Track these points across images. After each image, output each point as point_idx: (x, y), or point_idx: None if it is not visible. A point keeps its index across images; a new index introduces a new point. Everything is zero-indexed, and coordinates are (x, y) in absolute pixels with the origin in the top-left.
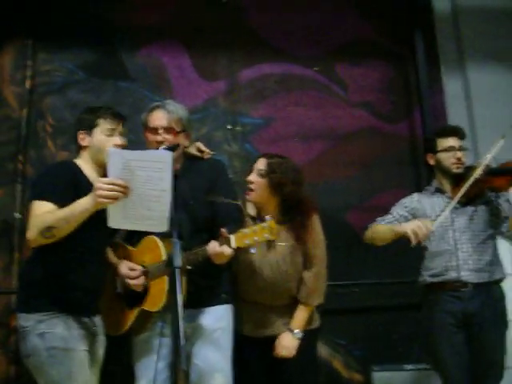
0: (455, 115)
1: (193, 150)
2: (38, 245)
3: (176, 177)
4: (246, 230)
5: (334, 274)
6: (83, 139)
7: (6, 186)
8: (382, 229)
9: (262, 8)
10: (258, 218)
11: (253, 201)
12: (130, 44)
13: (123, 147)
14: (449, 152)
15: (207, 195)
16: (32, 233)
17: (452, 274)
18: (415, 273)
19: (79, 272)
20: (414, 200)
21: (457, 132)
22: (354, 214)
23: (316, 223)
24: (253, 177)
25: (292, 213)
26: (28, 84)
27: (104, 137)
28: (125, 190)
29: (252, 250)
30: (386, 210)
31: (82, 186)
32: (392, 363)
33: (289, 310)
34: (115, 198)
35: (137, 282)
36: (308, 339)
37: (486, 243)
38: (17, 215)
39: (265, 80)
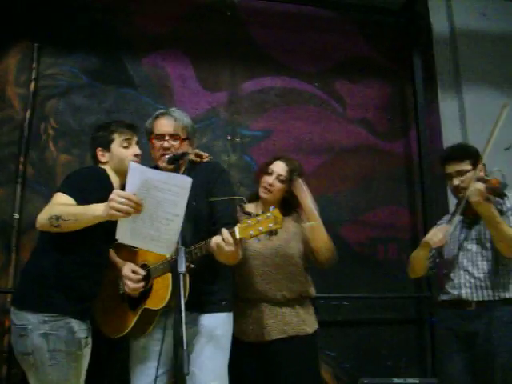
0: (450, 136)
1: (192, 157)
2: (45, 229)
3: None
4: (249, 221)
5: (325, 287)
6: (102, 156)
7: (6, 186)
8: (413, 254)
9: (265, 23)
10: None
11: (266, 200)
12: (135, 51)
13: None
14: (448, 179)
15: (208, 195)
16: (42, 216)
17: (454, 292)
18: (405, 288)
19: (89, 279)
20: (440, 222)
21: (450, 157)
22: (348, 228)
23: None
24: (273, 181)
25: (290, 207)
26: (32, 86)
27: (122, 149)
28: (137, 207)
29: (256, 240)
30: (379, 226)
31: (108, 195)
32: (380, 377)
33: (300, 309)
34: (126, 213)
35: (135, 286)
36: (306, 346)
37: (492, 261)
38: (15, 215)
39: (265, 93)
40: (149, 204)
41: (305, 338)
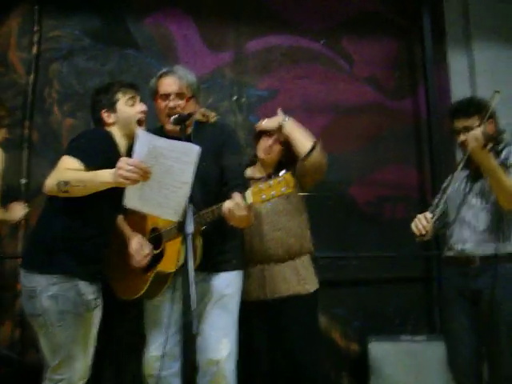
0: (459, 93)
1: (198, 116)
2: (53, 194)
3: (187, 141)
4: (261, 185)
5: (334, 246)
6: (109, 117)
7: (13, 152)
8: None
9: None
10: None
11: (264, 161)
12: (137, 11)
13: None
14: (456, 135)
15: (217, 157)
16: (50, 181)
17: (458, 246)
18: (413, 246)
19: (97, 241)
20: (447, 179)
21: (458, 112)
22: (356, 187)
23: None
24: (272, 143)
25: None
26: (34, 50)
27: (128, 107)
28: (145, 175)
29: (268, 205)
30: (386, 185)
31: (116, 157)
32: (388, 334)
33: (300, 264)
34: (134, 180)
35: (141, 264)
36: (308, 304)
37: (495, 215)
38: (23, 181)
39: (271, 52)
40: (157, 171)
41: (306, 297)
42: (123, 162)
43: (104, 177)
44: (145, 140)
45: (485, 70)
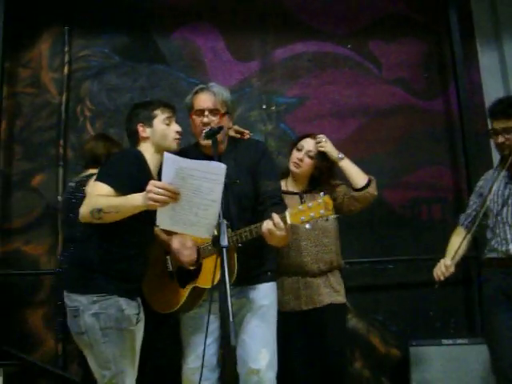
0: (491, 90)
1: (231, 133)
2: (88, 222)
3: (221, 158)
4: (300, 207)
5: (371, 251)
6: (143, 131)
7: (49, 171)
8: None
9: None
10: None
11: (295, 173)
12: (164, 27)
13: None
14: (493, 135)
15: (252, 175)
16: (84, 210)
17: (502, 248)
18: None
19: (133, 259)
20: (482, 178)
21: (498, 113)
22: (390, 190)
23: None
24: (303, 157)
25: (317, 183)
26: (66, 70)
27: (164, 126)
28: (175, 196)
29: (307, 226)
30: (421, 187)
31: (145, 177)
32: (429, 338)
33: (332, 278)
34: (164, 203)
35: (188, 259)
36: (340, 313)
37: None
38: (60, 198)
39: (298, 59)
40: (186, 192)
41: (338, 306)
42: (152, 185)
43: (135, 201)
44: (171, 162)
45: None
